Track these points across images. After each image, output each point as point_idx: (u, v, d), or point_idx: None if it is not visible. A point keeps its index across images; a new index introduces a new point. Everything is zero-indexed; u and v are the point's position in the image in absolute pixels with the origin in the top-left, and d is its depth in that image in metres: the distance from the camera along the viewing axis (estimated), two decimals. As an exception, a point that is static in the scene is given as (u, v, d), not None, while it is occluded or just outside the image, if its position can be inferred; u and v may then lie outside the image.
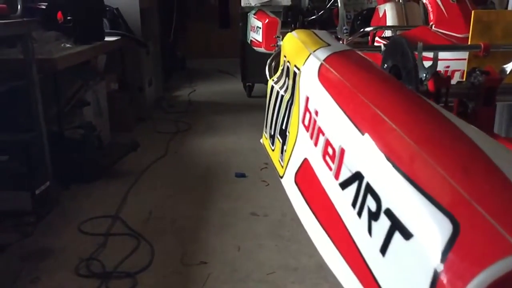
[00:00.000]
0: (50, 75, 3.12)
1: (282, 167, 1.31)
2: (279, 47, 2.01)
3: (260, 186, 3.26)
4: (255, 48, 4.09)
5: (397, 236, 0.64)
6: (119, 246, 2.51)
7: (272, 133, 1.44)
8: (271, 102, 1.48)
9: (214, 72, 7.40)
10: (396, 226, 0.65)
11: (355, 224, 0.75)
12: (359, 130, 0.81)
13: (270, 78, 1.57)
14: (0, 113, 2.85)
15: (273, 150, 1.44)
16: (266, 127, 1.55)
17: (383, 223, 0.67)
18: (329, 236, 0.88)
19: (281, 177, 1.32)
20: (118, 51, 4.50)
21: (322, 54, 1.13)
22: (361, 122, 0.82)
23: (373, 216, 0.70)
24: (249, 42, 4.34)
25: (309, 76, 1.11)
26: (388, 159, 0.71)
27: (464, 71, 1.73)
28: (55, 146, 3.04)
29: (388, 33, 2.66)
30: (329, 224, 0.89)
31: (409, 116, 0.79)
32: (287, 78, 1.35)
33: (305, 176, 1.08)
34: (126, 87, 4.64)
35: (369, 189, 0.73)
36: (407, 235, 0.63)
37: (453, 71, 1.81)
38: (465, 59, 1.73)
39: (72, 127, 3.34)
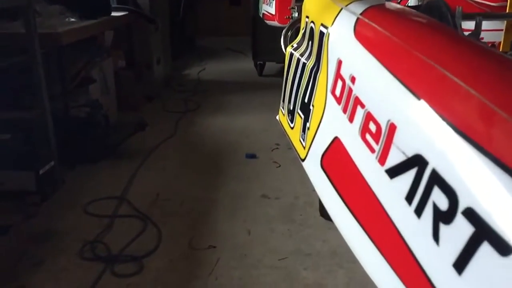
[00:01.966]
0: (54, 51, 3.00)
1: (304, 148, 1.13)
2: (293, 19, 1.86)
3: (271, 167, 3.16)
4: (267, 22, 3.89)
5: (485, 248, 0.48)
6: (125, 229, 2.42)
7: (292, 108, 1.24)
8: (290, 72, 1.27)
9: (224, 50, 7.25)
10: (484, 233, 0.48)
11: (412, 226, 0.58)
12: (418, 97, 0.62)
13: (285, 49, 1.40)
14: (2, 90, 2.75)
15: (292, 128, 1.25)
16: (283, 101, 1.34)
17: (460, 228, 0.50)
18: (370, 238, 0.71)
19: (303, 160, 1.14)
20: (126, 27, 4.37)
21: (358, 7, 0.93)
22: (421, 87, 0.63)
23: (443, 217, 0.52)
24: (261, 15, 4.14)
25: (342, 35, 0.92)
26: (465, 136, 0.52)
27: (500, 42, 1.56)
28: (60, 125, 2.95)
29: (412, 2, 2.48)
30: (370, 223, 0.72)
31: (489, 73, 0.60)
32: (310, 42, 1.15)
33: (336, 160, 0.90)
34: (133, 65, 4.52)
35: (437, 179, 0.54)
36: (503, 248, 0.46)
37: (488, 43, 1.65)
38: (501, 29, 1.57)
39: (78, 105, 3.24)
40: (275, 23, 3.57)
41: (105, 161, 3.21)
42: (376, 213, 0.68)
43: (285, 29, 1.47)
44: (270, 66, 5.77)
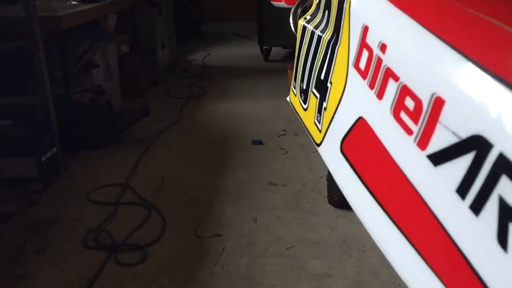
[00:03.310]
0: (55, 35, 2.93)
1: (320, 131, 1.01)
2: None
3: (278, 154, 3.09)
4: (273, 3, 3.76)
5: None
6: (129, 217, 2.37)
7: (305, 87, 1.10)
8: (302, 47, 1.15)
9: (230, 35, 7.16)
10: None
11: (467, 226, 0.47)
12: (477, 63, 0.50)
13: (295, 29, 1.30)
14: (3, 75, 2.69)
15: (305, 110, 1.12)
16: (295, 80, 1.22)
17: None
18: (406, 236, 0.59)
19: (318, 145, 1.01)
20: (129, 11, 4.28)
21: None
22: (480, 50, 0.52)
23: None
24: None
25: None
26: None
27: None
28: (62, 111, 2.89)
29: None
30: (406, 218, 0.61)
31: None
32: (326, 11, 1.03)
33: (360, 144, 0.78)
34: (137, 50, 4.45)
35: (506, 166, 0.44)
36: None
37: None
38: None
39: (81, 91, 3.17)
40: (282, 4, 3.44)
41: (109, 148, 3.16)
42: (414, 207, 0.58)
43: (294, 6, 1.37)
44: (276, 51, 5.68)
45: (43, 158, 2.60)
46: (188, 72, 5.14)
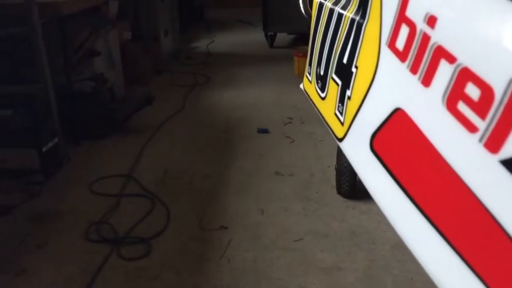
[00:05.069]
0: (55, 21, 2.85)
1: (342, 123, 0.84)
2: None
3: (284, 142, 3.02)
4: None
5: None
6: (132, 209, 2.32)
7: (323, 73, 0.94)
8: (319, 27, 1.01)
9: (234, 22, 7.05)
10: None
11: None
12: None
13: (305, 12, 1.18)
14: (2, 63, 2.62)
15: (323, 99, 0.96)
16: (310, 65, 1.07)
17: None
18: (468, 263, 0.47)
19: (340, 140, 0.86)
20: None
21: None
22: None
23: None
24: None
25: None
26: None
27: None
28: (64, 100, 2.82)
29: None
30: (470, 240, 0.47)
31: None
32: None
33: (398, 141, 0.63)
34: (140, 37, 4.36)
35: None
36: None
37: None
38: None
39: (82, 79, 3.10)
40: None
41: (112, 137, 3.10)
42: (480, 225, 0.45)
43: (306, -17, 1.25)
44: (281, 37, 5.59)
45: (44, 149, 2.54)
46: (192, 60, 5.06)
